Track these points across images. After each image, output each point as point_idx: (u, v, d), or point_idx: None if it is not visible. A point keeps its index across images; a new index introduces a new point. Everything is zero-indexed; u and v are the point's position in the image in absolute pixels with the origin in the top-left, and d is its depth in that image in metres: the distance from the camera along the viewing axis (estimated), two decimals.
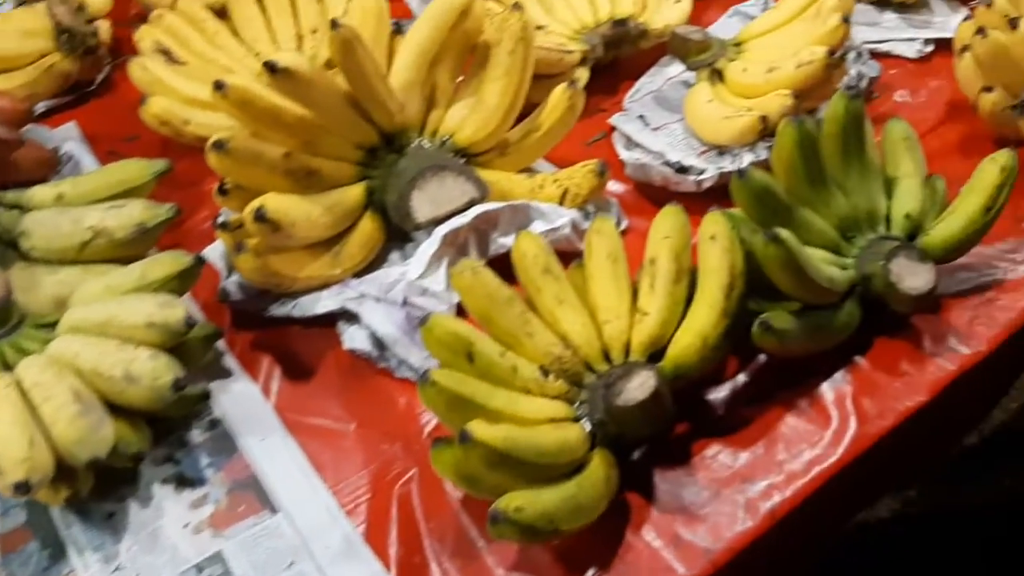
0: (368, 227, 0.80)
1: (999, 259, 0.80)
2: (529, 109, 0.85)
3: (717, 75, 0.93)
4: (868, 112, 0.96)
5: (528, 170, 0.88)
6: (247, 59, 0.95)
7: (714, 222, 0.69)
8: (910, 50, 1.02)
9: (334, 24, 0.71)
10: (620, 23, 0.99)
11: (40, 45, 0.98)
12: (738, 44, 0.95)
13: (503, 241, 0.79)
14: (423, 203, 0.78)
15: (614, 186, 0.90)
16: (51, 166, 0.91)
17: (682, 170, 0.85)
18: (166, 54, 0.91)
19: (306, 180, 0.77)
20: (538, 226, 0.80)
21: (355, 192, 0.79)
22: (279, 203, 0.72)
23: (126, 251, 0.78)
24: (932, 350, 0.74)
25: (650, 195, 0.89)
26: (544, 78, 0.94)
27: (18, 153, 0.88)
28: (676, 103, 0.96)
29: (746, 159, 0.86)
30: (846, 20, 0.87)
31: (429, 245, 0.75)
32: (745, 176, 0.71)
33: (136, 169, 0.83)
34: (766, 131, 0.87)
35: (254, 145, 0.73)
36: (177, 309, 0.68)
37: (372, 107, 0.78)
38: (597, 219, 0.72)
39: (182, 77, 0.89)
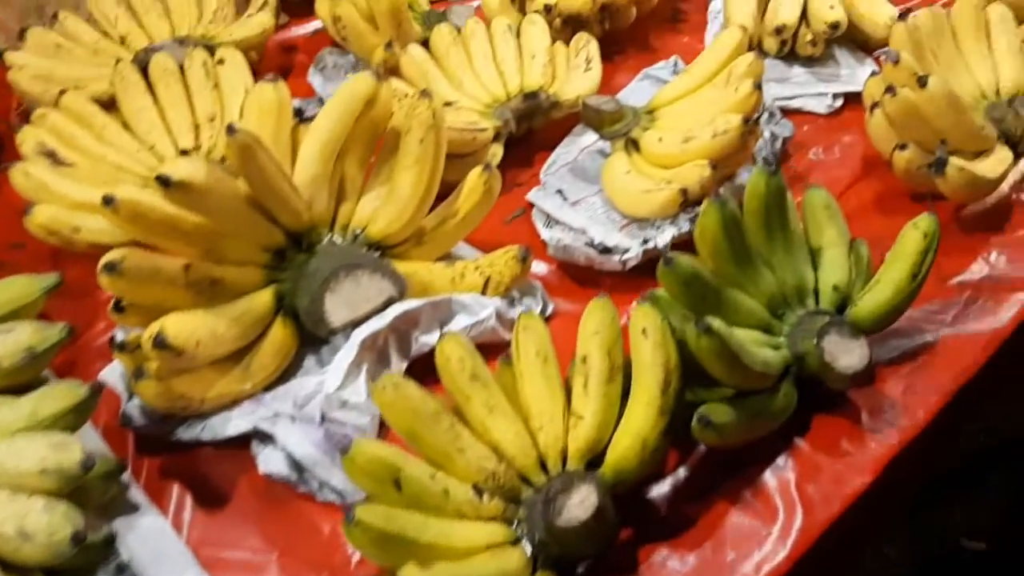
0: (280, 335, 0.75)
1: (927, 321, 0.80)
2: (444, 189, 0.82)
3: (633, 144, 0.92)
4: (785, 172, 0.97)
5: (447, 256, 0.84)
6: (141, 153, 0.89)
7: (644, 315, 0.66)
8: (820, 105, 1.03)
9: (230, 129, 0.67)
10: (531, 96, 0.96)
11: None
12: (651, 111, 0.94)
13: (425, 340, 0.75)
14: (337, 306, 0.74)
15: (537, 266, 0.87)
16: None
17: (606, 251, 0.82)
18: (51, 156, 0.84)
19: (210, 291, 0.72)
20: (461, 320, 0.76)
21: (263, 298, 0.74)
22: (180, 324, 0.67)
23: (14, 379, 0.71)
24: (871, 426, 0.72)
25: (575, 274, 0.86)
26: (457, 157, 0.92)
27: None
28: (593, 174, 0.94)
29: (668, 232, 0.84)
30: (758, 86, 0.86)
31: (346, 352, 0.71)
32: (672, 264, 0.68)
33: (22, 286, 0.76)
34: (687, 203, 0.85)
35: (150, 261, 0.68)
36: (73, 451, 0.62)
37: (277, 208, 0.74)
38: (523, 316, 0.69)
39: (70, 181, 0.83)
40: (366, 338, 0.72)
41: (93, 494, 0.66)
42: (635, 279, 0.83)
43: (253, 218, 0.73)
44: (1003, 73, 0.96)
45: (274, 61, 1.14)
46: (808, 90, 1.04)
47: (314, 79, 1.05)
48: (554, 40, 1.05)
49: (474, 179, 0.81)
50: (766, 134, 0.94)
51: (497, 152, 0.94)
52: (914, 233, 0.75)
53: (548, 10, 1.05)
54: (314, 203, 0.78)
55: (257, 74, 1.10)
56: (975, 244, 0.86)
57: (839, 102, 1.03)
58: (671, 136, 0.89)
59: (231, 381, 0.72)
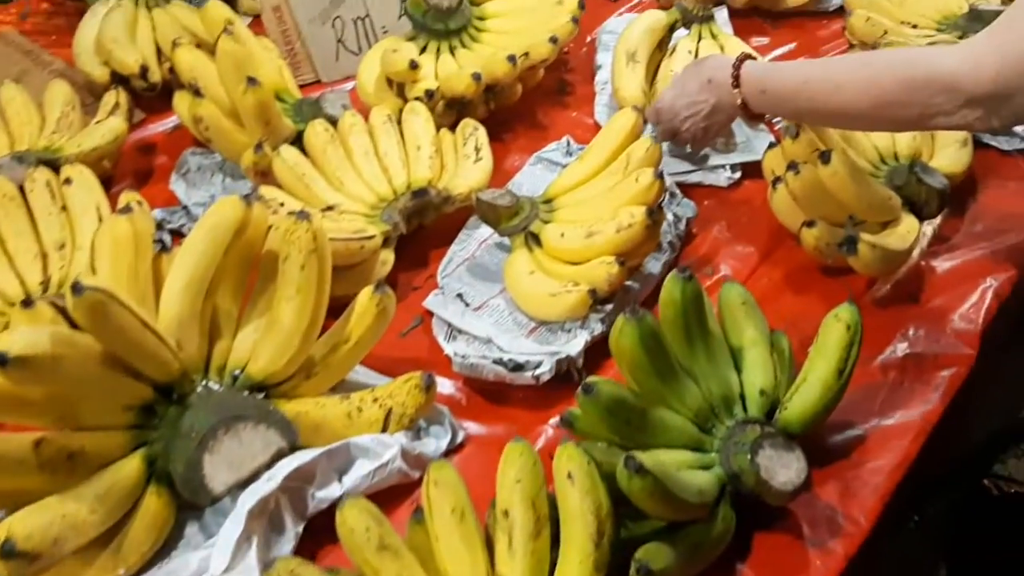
0: (153, 506, 0.65)
1: (855, 412, 0.76)
2: (332, 304, 0.73)
3: (533, 239, 0.86)
4: (691, 253, 0.93)
5: (341, 384, 0.76)
6: None
7: (569, 458, 0.60)
8: (720, 179, 0.99)
9: (76, 288, 0.57)
10: (420, 193, 0.89)
11: None
12: (548, 201, 0.88)
13: (323, 495, 0.67)
14: (219, 469, 0.65)
15: (442, 384, 0.80)
16: None
17: (517, 368, 0.76)
18: None
19: (67, 467, 0.62)
20: (362, 467, 0.68)
21: (131, 467, 0.65)
22: (31, 523, 0.57)
23: None
24: (813, 539, 0.68)
25: (483, 389, 0.79)
26: (345, 268, 0.84)
27: None
28: (494, 271, 0.87)
29: (581, 338, 0.78)
30: (659, 175, 0.81)
31: (232, 525, 0.62)
32: (593, 392, 0.62)
33: None
34: (596, 302, 0.80)
35: None
36: None
37: (139, 361, 0.64)
38: (433, 467, 0.61)
39: None
40: (253, 506, 0.63)
41: None
42: (549, 392, 0.77)
43: (112, 378, 0.64)
44: (899, 137, 0.94)
45: (130, 165, 1.04)
46: (705, 163, 1.00)
47: (177, 186, 0.96)
48: (438, 127, 0.98)
49: (365, 301, 0.73)
50: (669, 216, 0.90)
51: (388, 259, 0.86)
52: (836, 326, 0.71)
53: (430, 95, 0.99)
54: (184, 346, 0.69)
55: (112, 183, 1.01)
56: (892, 320, 0.83)
57: (738, 173, 1.00)
58: (573, 230, 0.83)
59: (100, 569, 0.62)
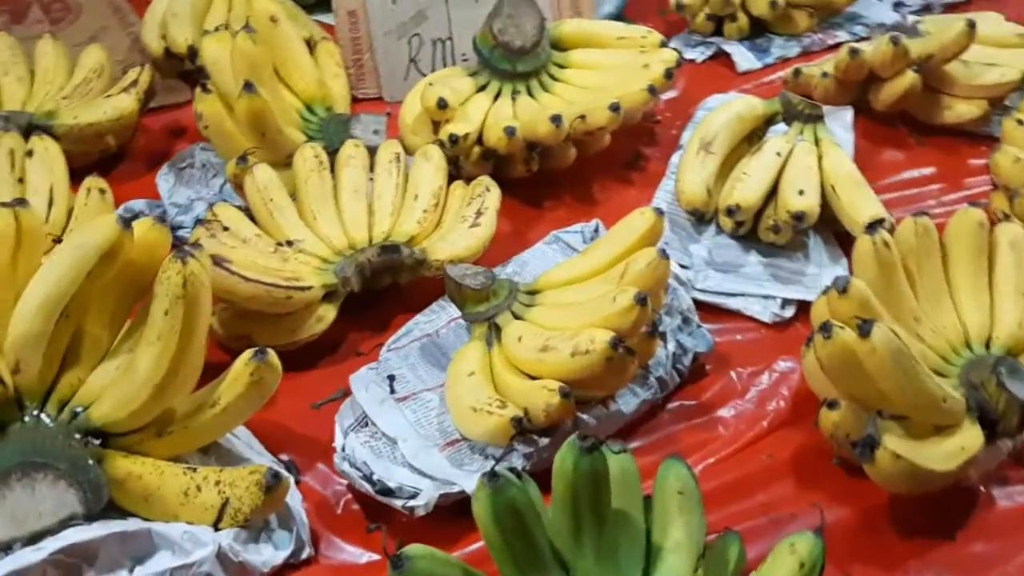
0: None
1: None
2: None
3: (496, 332, 0.72)
4: (689, 395, 0.75)
5: (208, 451, 0.66)
6: None
7: None
8: (765, 312, 0.81)
9: None
10: (389, 249, 0.77)
11: None
12: (533, 292, 0.74)
13: None
14: None
15: (328, 481, 0.68)
16: None
17: (385, 491, 0.63)
18: None
19: None
20: (161, 561, 0.58)
21: None
22: None
23: None
24: None
25: (371, 502, 0.66)
26: (274, 317, 0.74)
27: None
28: (448, 357, 0.74)
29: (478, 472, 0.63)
30: (641, 300, 0.65)
31: None
32: (402, 568, 0.49)
33: None
34: (524, 432, 0.65)
35: None
36: None
37: None
38: None
39: None
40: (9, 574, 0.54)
41: None
42: (438, 526, 0.63)
43: None
44: (1000, 318, 0.73)
45: (148, 146, 0.98)
46: (755, 289, 0.82)
47: (163, 180, 0.89)
48: (468, 178, 0.86)
49: (240, 367, 0.62)
50: (670, 346, 0.73)
51: (325, 316, 0.75)
52: (787, 560, 0.53)
53: (453, 140, 0.87)
54: (23, 369, 0.60)
55: (118, 162, 0.96)
56: (906, 556, 0.64)
57: (790, 311, 0.81)
58: (532, 338, 0.69)
59: None
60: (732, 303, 0.81)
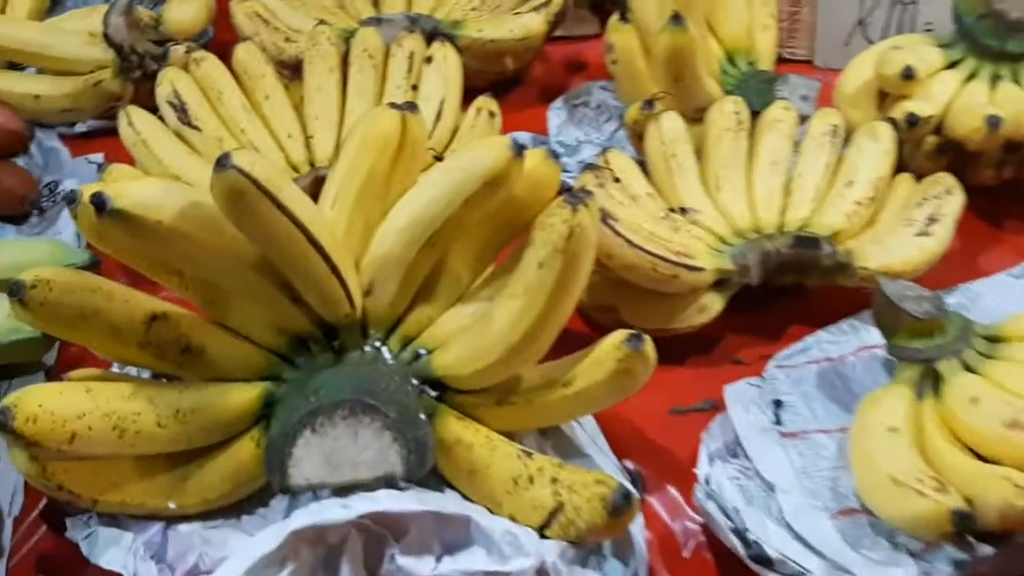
0: (243, 453, 0.52)
1: None
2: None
3: (933, 382, 0.54)
4: None
5: (550, 436, 0.56)
6: (291, 142, 0.71)
7: None
8: None
9: (221, 162, 0.44)
10: (806, 243, 0.61)
11: (99, 55, 0.80)
12: (995, 339, 0.55)
13: (406, 564, 0.47)
14: (312, 457, 0.49)
15: (677, 510, 0.55)
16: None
17: (761, 559, 0.48)
18: (179, 110, 0.69)
19: (178, 359, 0.51)
20: (475, 558, 0.48)
21: (242, 395, 0.52)
22: (48, 407, 0.46)
23: None
24: None
25: (720, 553, 0.52)
26: (650, 294, 0.61)
27: None
28: (854, 394, 0.58)
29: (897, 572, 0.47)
30: None
31: (263, 542, 0.46)
32: None
33: (52, 251, 0.62)
34: (963, 532, 0.47)
35: (87, 298, 0.48)
36: None
37: (299, 282, 0.50)
38: None
39: (177, 146, 0.67)
40: (303, 529, 0.46)
41: None
42: None
43: (265, 288, 0.51)
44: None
45: (545, 76, 0.89)
46: None
47: (554, 115, 0.79)
48: (919, 173, 0.68)
49: (607, 348, 0.50)
50: None
51: (710, 306, 0.61)
52: None
53: (912, 122, 0.68)
54: (375, 292, 0.53)
55: (513, 86, 0.88)
56: None
57: None
58: (995, 403, 0.50)
59: (149, 489, 0.51)
60: None
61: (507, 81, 0.86)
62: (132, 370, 0.59)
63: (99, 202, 0.44)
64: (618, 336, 0.51)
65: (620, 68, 0.74)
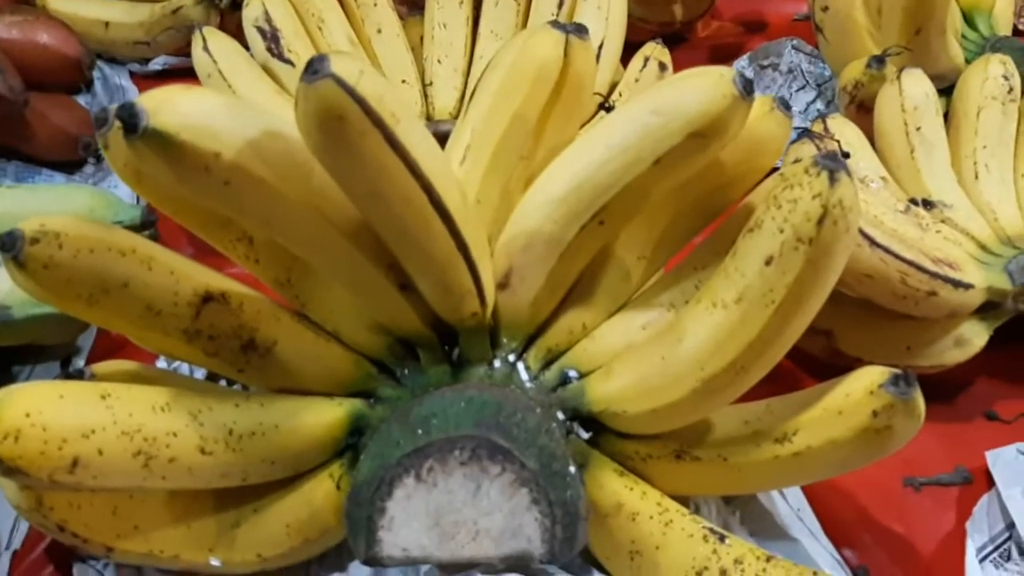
0: (319, 493, 0.37)
1: None
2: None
3: None
4: None
5: (748, 511, 0.39)
6: (402, 88, 0.56)
7: None
8: None
9: (312, 67, 0.29)
10: None
11: None
12: None
13: None
14: (413, 517, 0.34)
15: None
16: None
17: None
18: (269, 38, 0.55)
19: (235, 358, 0.37)
20: None
21: (323, 419, 0.37)
22: (41, 418, 0.31)
23: None
24: None
25: None
26: (887, 317, 0.44)
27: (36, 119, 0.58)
28: None
29: None
30: None
31: None
32: None
33: (91, 203, 0.49)
34: None
35: (107, 262, 0.34)
36: None
37: (419, 268, 0.35)
38: None
39: (257, 83, 0.53)
40: None
41: None
42: None
43: (361, 267, 0.36)
44: None
45: (716, 33, 0.73)
46: None
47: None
48: None
49: (858, 393, 0.34)
50: None
51: (975, 338, 0.43)
52: None
53: None
54: (512, 285, 0.38)
55: (678, 42, 0.72)
56: None
57: None
58: None
59: (187, 538, 0.37)
60: None
61: (670, 38, 0.70)
62: (184, 367, 0.45)
63: (130, 117, 0.29)
64: (874, 376, 0.34)
65: (832, 18, 0.57)
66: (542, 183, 0.38)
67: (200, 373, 0.44)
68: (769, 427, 0.36)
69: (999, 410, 0.46)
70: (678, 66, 0.68)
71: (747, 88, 0.34)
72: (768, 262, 0.32)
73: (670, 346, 0.35)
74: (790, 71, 0.64)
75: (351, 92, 0.29)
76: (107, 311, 0.34)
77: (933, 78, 0.54)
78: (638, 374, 0.36)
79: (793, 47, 0.65)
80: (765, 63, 0.64)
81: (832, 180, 0.31)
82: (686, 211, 0.39)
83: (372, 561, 0.34)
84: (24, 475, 0.31)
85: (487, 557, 0.34)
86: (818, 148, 0.46)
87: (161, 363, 0.45)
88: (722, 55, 0.69)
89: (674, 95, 0.35)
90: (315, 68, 0.29)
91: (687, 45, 0.72)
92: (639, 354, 0.37)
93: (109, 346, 0.50)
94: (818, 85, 0.63)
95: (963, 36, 0.61)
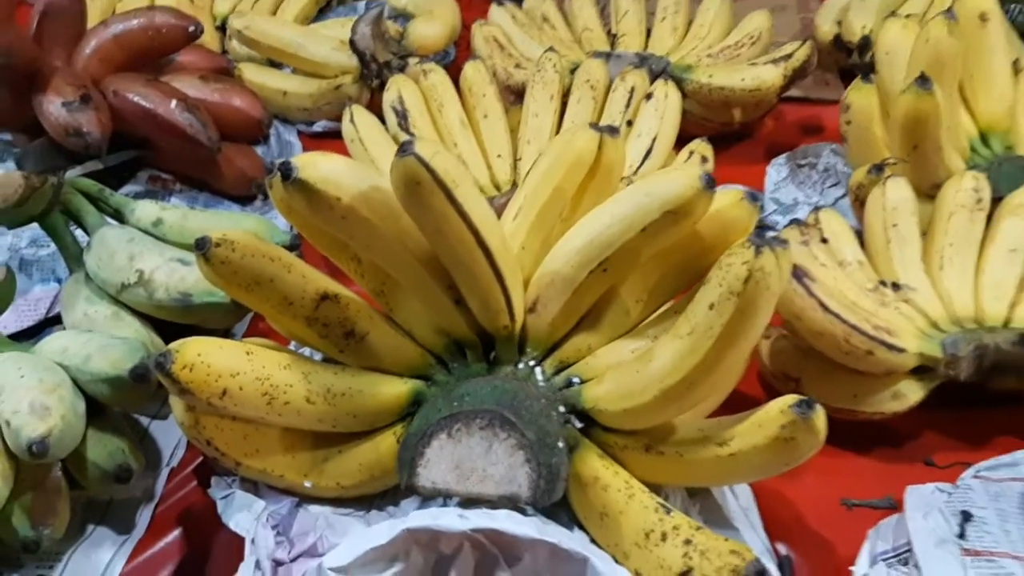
0: (383, 446, 0.52)
1: None
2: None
3: None
4: None
5: (699, 497, 0.51)
6: (499, 162, 0.72)
7: None
8: None
9: (403, 148, 0.44)
10: None
11: (344, 61, 0.86)
12: None
13: None
14: (442, 461, 0.48)
15: None
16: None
17: None
18: (400, 116, 0.71)
19: (340, 342, 0.52)
20: None
21: (393, 389, 0.52)
22: (208, 359, 0.47)
23: (160, 314, 0.62)
24: None
25: None
26: (839, 370, 0.55)
27: (224, 163, 0.77)
28: None
29: None
30: None
31: (376, 534, 0.45)
32: None
33: (257, 227, 0.66)
34: None
35: (267, 265, 0.50)
36: None
37: (462, 283, 0.50)
38: None
39: (385, 147, 0.69)
40: (419, 529, 0.45)
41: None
42: None
43: (430, 285, 0.51)
44: None
45: (773, 134, 0.85)
46: None
47: (774, 170, 0.75)
48: None
49: (773, 412, 0.46)
50: None
51: (907, 395, 0.54)
52: None
53: None
54: (540, 309, 0.52)
55: (736, 139, 0.84)
56: None
57: None
58: None
59: (290, 463, 0.52)
60: None
61: (732, 134, 0.83)
62: (307, 351, 0.61)
63: (286, 170, 0.46)
64: (786, 400, 0.46)
65: (854, 130, 0.69)
66: (567, 237, 0.52)
67: (317, 356, 0.60)
68: (715, 434, 0.48)
69: (937, 459, 0.56)
70: (735, 158, 0.82)
71: (709, 183, 0.47)
72: (711, 307, 0.45)
73: (643, 364, 0.48)
74: (826, 170, 0.75)
75: (426, 165, 0.45)
76: (258, 297, 0.51)
77: (933, 187, 0.66)
78: (620, 382, 0.49)
79: (832, 150, 0.77)
80: (803, 162, 0.76)
81: (757, 252, 0.44)
82: (673, 270, 0.52)
83: (411, 489, 0.49)
84: (191, 395, 0.47)
85: (489, 495, 0.47)
86: (802, 232, 0.58)
87: (291, 347, 0.61)
88: (775, 152, 0.81)
89: (659, 182, 0.48)
90: (404, 148, 0.45)
91: (745, 142, 0.84)
92: (623, 368, 0.50)
93: (255, 334, 0.67)
94: (848, 184, 0.74)
95: (975, 151, 0.71)
